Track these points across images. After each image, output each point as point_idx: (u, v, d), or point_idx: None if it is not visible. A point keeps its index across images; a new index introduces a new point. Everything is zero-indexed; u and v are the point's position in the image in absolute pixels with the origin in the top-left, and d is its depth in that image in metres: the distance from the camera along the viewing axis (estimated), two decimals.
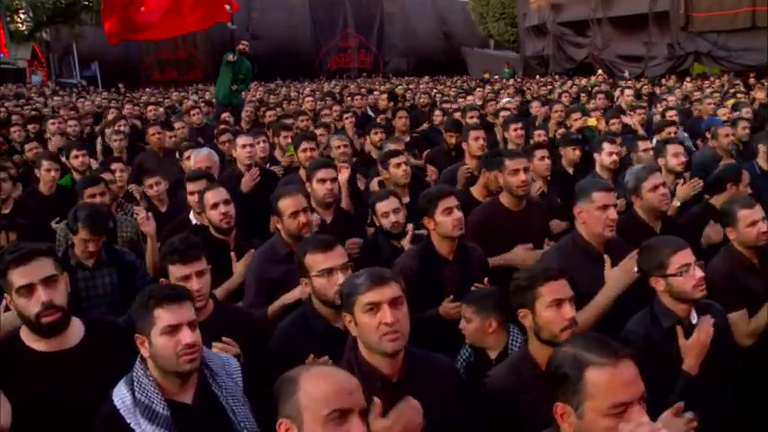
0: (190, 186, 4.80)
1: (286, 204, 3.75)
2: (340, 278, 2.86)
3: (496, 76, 26.71)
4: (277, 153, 7.08)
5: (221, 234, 4.09)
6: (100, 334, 2.74)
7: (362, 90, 16.01)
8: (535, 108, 10.15)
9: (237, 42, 11.41)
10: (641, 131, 7.44)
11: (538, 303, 2.66)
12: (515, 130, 6.64)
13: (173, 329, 2.35)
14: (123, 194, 5.80)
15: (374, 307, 2.31)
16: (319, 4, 37.30)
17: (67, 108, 11.92)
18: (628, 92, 10.27)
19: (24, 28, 34.11)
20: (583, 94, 12.80)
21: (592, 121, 7.63)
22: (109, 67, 30.20)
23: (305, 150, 5.63)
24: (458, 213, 3.65)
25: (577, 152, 6.23)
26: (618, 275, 3.28)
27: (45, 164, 5.95)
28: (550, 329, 2.62)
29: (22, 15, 34.28)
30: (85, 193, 4.72)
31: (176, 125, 8.96)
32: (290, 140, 6.81)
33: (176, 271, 2.98)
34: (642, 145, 5.81)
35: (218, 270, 3.44)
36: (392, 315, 2.29)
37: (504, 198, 4.49)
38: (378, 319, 2.31)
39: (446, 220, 3.63)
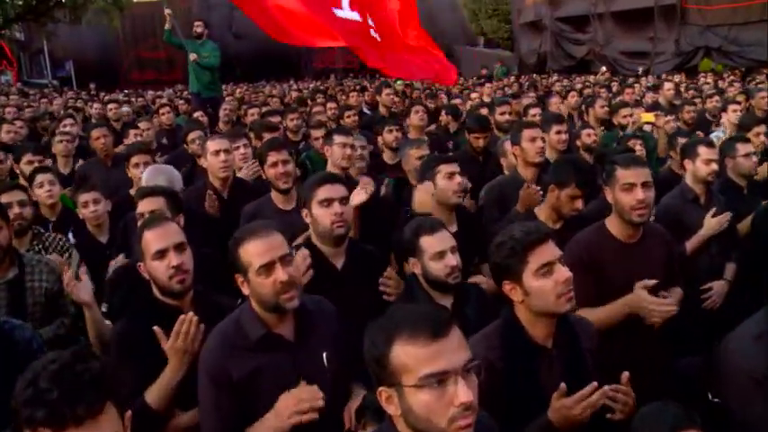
0: (141, 207, 3.33)
1: (252, 252, 2.33)
2: None
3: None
4: None
5: (170, 297, 2.61)
6: None
7: (357, 87, 14.50)
8: (555, 104, 8.86)
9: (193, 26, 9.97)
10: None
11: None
12: (558, 132, 5.21)
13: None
14: (55, 218, 4.32)
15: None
16: None
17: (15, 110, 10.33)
18: (668, 86, 8.87)
19: None
20: (601, 89, 11.46)
21: (648, 117, 6.23)
22: (85, 66, 28.85)
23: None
24: (563, 272, 2.22)
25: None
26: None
27: None
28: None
29: None
30: None
31: (141, 125, 7.49)
32: None
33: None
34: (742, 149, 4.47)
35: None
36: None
37: (613, 224, 3.09)
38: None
39: (546, 285, 2.20)
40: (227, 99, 10.43)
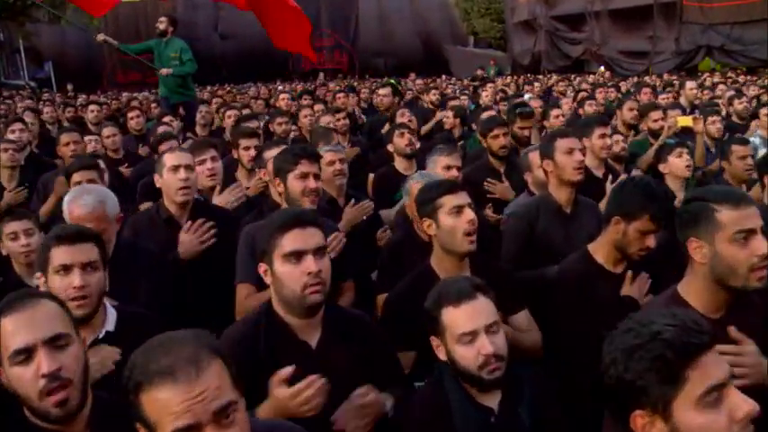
0: (56, 257, 2.36)
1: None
2: None
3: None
4: (240, 174, 4.72)
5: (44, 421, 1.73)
6: None
7: (347, 87, 13.63)
8: (566, 105, 8.12)
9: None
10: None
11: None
12: (603, 136, 4.41)
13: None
14: None
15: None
16: None
17: None
18: (690, 85, 8.05)
19: None
20: (606, 89, 10.63)
21: (686, 121, 5.39)
22: (65, 67, 27.87)
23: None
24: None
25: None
26: None
27: None
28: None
29: None
30: None
31: (105, 131, 6.59)
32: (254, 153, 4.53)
33: None
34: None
35: None
36: None
37: (697, 296, 2.16)
38: None
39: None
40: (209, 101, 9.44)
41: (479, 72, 19.46)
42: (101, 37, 8.46)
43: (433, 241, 2.77)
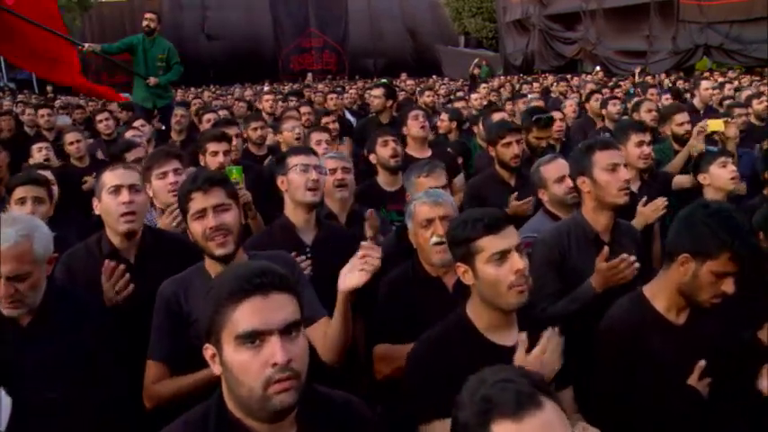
0: None
1: None
2: None
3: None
4: None
5: None
6: None
7: (337, 88, 12.99)
8: (570, 107, 7.63)
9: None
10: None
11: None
12: (639, 144, 3.89)
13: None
14: None
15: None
16: (280, 1, 34.89)
17: None
18: (705, 85, 7.46)
19: None
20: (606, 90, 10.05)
21: (717, 125, 4.80)
22: None
23: None
24: None
25: None
26: None
27: None
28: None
29: None
30: None
31: (68, 137, 6.05)
32: (224, 160, 4.00)
33: None
34: None
35: None
36: None
37: None
38: None
39: None
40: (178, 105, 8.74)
41: (476, 71, 18.80)
42: (89, 48, 7.83)
43: (471, 290, 2.15)
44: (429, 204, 2.64)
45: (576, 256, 2.76)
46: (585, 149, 2.86)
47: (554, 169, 3.37)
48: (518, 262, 2.02)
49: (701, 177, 3.88)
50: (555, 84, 13.01)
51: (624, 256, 2.48)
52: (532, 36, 26.22)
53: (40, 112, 8.27)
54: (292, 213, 3.01)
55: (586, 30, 23.60)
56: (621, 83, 13.71)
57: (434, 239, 2.57)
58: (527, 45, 26.69)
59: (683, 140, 5.08)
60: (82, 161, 6.02)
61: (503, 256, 2.02)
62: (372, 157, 4.27)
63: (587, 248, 2.76)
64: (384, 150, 4.15)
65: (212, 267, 2.32)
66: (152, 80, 7.95)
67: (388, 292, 2.67)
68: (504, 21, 28.26)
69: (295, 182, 2.97)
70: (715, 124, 4.81)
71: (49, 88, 22.58)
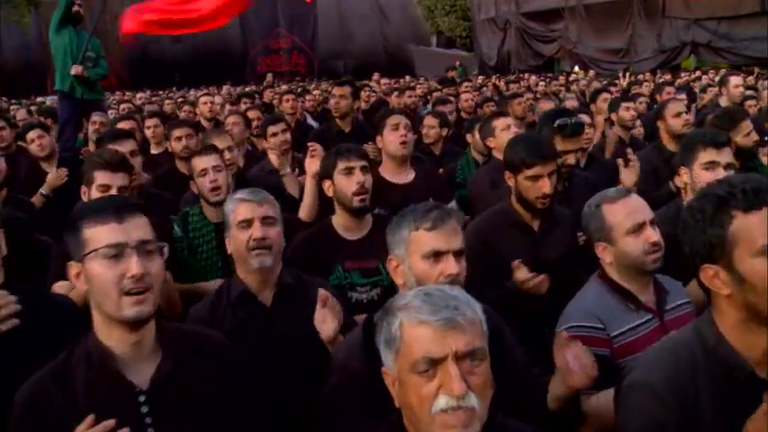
0: None
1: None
2: None
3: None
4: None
5: None
6: None
7: (296, 89, 11.60)
8: (570, 104, 6.31)
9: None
10: None
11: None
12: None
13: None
14: None
15: None
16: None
17: None
18: (735, 81, 6.21)
19: None
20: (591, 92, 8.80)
21: None
22: (1, 71, 25.80)
23: None
24: None
25: None
26: None
27: None
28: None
29: None
30: None
31: (30, 134, 5.22)
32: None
33: None
34: None
35: None
36: None
37: None
38: None
39: None
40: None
41: (451, 74, 17.46)
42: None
43: None
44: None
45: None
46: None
47: (625, 211, 2.04)
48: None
49: None
50: (545, 83, 11.76)
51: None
52: (509, 34, 25.32)
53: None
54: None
55: (566, 27, 22.75)
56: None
57: None
58: (503, 44, 25.75)
59: (747, 153, 3.82)
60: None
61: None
62: (328, 188, 2.87)
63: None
64: (346, 182, 2.77)
65: None
66: (77, 68, 6.80)
67: None
68: (478, 18, 27.42)
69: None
70: None
71: None
